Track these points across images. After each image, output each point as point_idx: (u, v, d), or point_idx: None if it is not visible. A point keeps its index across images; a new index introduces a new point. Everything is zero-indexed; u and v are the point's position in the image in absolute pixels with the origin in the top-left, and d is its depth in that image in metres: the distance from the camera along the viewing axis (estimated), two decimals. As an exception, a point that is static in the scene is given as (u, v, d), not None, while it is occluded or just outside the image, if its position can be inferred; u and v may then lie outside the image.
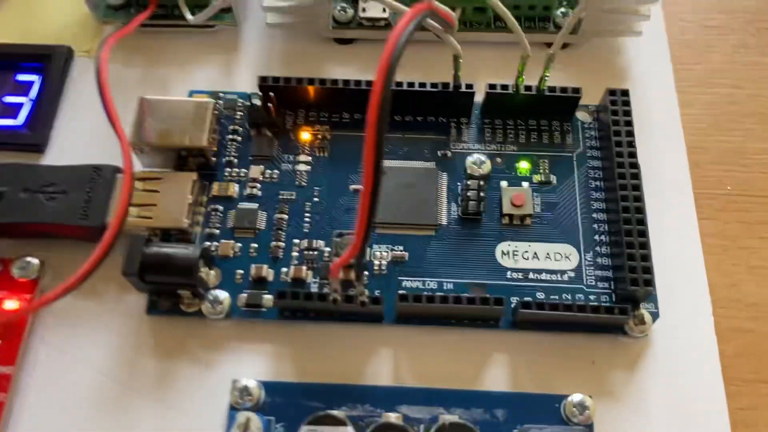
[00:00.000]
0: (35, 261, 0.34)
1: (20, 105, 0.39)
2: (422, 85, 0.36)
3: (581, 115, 0.38)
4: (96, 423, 0.32)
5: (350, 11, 0.39)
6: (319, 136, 0.37)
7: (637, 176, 0.34)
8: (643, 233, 0.32)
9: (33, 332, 0.33)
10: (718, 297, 0.35)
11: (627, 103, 0.36)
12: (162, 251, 0.32)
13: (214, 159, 0.36)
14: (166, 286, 0.33)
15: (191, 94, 0.38)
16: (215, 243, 0.35)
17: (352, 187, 0.36)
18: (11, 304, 0.33)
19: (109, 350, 0.33)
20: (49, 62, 0.40)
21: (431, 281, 0.34)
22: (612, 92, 0.36)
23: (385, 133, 0.24)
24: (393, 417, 0.30)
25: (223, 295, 0.33)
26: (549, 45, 0.40)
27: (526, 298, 0.33)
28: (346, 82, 0.36)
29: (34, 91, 0.39)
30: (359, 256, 0.27)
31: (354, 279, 0.29)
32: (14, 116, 0.39)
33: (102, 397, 0.32)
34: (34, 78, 0.40)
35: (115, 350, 0.33)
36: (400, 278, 0.34)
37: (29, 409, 0.32)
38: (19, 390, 0.32)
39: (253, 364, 0.33)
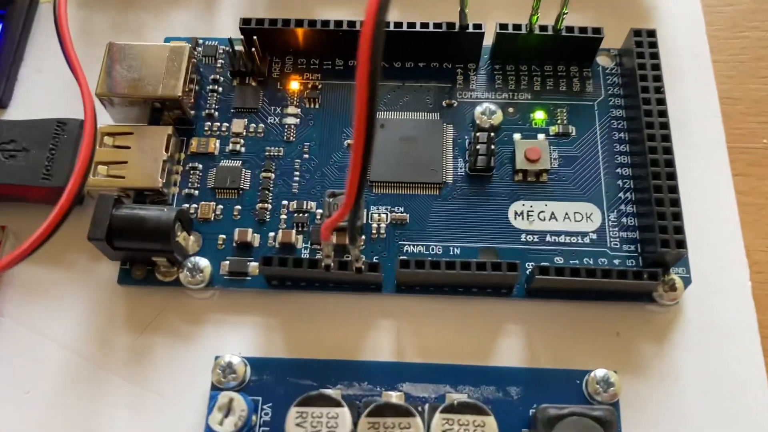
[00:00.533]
0: (-6, 226, 0.31)
1: (-21, 56, 0.35)
2: (424, 25, 0.32)
3: (602, 60, 0.34)
4: (64, 404, 0.28)
5: (344, -53, 0.35)
6: (309, 86, 0.33)
7: (666, 125, 0.30)
8: (674, 189, 0.29)
9: (-8, 305, 0.30)
10: (755, 260, 0.32)
11: (654, 45, 0.32)
12: (133, 213, 0.28)
13: (192, 112, 0.32)
14: (140, 253, 0.29)
15: (168, 41, 0.34)
16: (194, 205, 0.31)
17: (347, 142, 0.32)
18: (-33, 275, 0.30)
19: (78, 324, 0.30)
20: (11, 8, 0.36)
21: (436, 246, 0.30)
22: (637, 33, 0.32)
23: (378, 76, 0.20)
24: (394, 396, 0.27)
25: (203, 262, 0.29)
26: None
27: (543, 263, 0.29)
28: (339, 23, 0.32)
29: (-6, 41, 0.36)
30: (353, 215, 0.23)
31: (348, 243, 0.25)
32: (-27, 68, 0.35)
33: (71, 375, 0.29)
34: (-6, 26, 0.36)
35: (85, 324, 0.30)
36: (400, 243, 0.30)
37: (-10, 390, 0.29)
38: (-22, 369, 0.29)
39: (238, 338, 0.29)
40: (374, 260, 0.30)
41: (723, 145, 0.34)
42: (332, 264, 0.27)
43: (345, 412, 0.25)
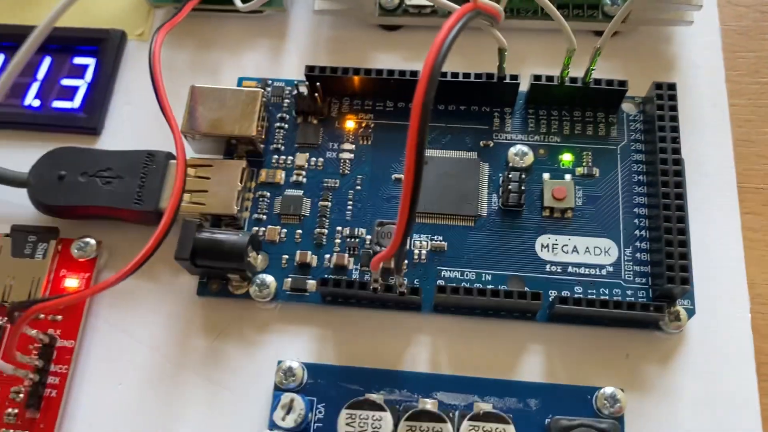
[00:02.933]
0: (92, 241, 0.36)
1: (76, 88, 0.40)
2: (466, 75, 0.36)
3: (627, 107, 0.38)
4: (149, 397, 0.34)
5: (397, -2, 0.40)
6: (363, 125, 0.38)
7: (680, 173, 0.34)
8: (683, 231, 0.33)
9: (91, 310, 0.35)
10: (757, 293, 0.36)
11: (673, 98, 0.35)
12: (213, 237, 0.33)
13: (262, 146, 0.37)
14: (216, 270, 0.34)
15: (241, 80, 0.39)
16: (262, 228, 0.36)
17: (394, 176, 0.37)
18: (72, 283, 0.35)
19: (161, 329, 0.35)
20: (104, 45, 0.41)
21: (470, 272, 0.34)
22: (659, 86, 0.36)
23: (425, 143, 0.24)
24: (429, 403, 0.31)
25: (269, 279, 0.34)
26: (597, 34, 0.40)
27: (564, 293, 0.33)
28: (390, 72, 0.36)
29: (89, 74, 0.41)
30: (399, 253, 0.28)
31: (394, 272, 0.30)
32: (71, 98, 0.40)
33: (154, 373, 0.34)
34: (89, 61, 0.41)
35: (167, 329, 0.35)
36: (439, 268, 0.35)
37: (89, 381, 0.34)
38: (79, 363, 0.34)
39: (297, 346, 0.34)
40: (415, 283, 0.34)
41: (734, 185, 0.37)
42: (379, 287, 0.32)
43: (388, 417, 0.30)
